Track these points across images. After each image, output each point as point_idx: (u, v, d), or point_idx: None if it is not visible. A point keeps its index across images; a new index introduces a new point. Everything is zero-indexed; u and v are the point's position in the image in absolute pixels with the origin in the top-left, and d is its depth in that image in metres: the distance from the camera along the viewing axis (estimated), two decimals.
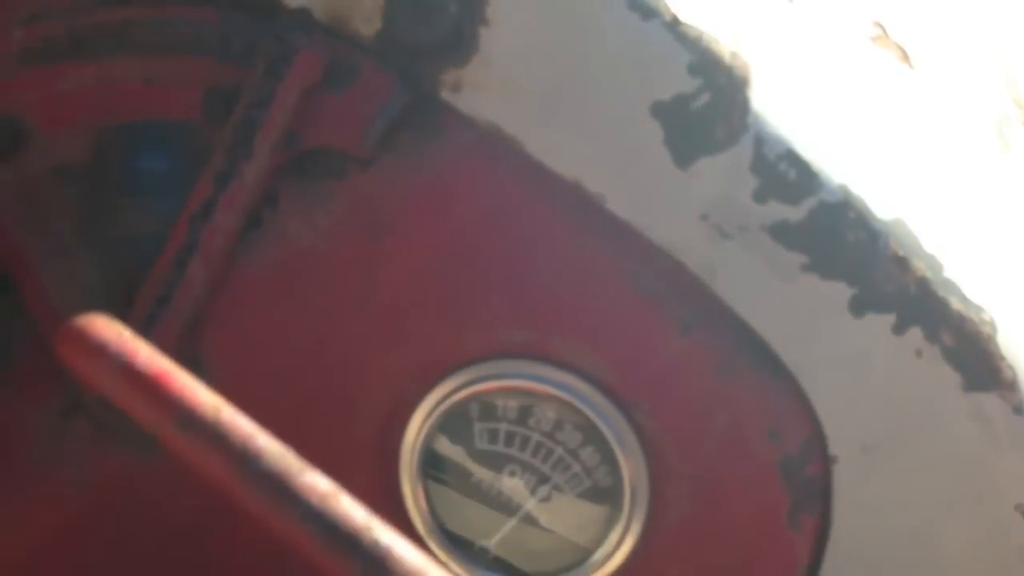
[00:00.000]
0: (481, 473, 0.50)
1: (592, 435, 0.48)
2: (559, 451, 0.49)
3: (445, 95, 0.45)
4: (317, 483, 0.27)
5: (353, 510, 0.27)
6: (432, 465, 0.50)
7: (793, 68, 0.47)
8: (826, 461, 0.46)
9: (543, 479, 0.49)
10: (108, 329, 0.29)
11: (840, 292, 0.45)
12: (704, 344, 0.46)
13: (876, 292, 0.44)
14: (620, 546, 0.49)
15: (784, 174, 0.44)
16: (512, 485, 0.50)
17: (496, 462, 0.50)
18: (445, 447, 0.50)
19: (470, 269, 0.47)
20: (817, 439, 0.46)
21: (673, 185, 0.45)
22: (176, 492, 0.45)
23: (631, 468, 0.47)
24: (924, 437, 0.45)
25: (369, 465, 0.49)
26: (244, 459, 0.26)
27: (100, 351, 0.28)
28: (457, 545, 0.50)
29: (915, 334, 0.44)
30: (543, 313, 0.47)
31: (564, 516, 0.49)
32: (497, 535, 0.50)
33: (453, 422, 0.49)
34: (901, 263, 0.44)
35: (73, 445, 0.43)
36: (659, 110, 0.44)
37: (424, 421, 0.49)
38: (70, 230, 0.44)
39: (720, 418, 0.46)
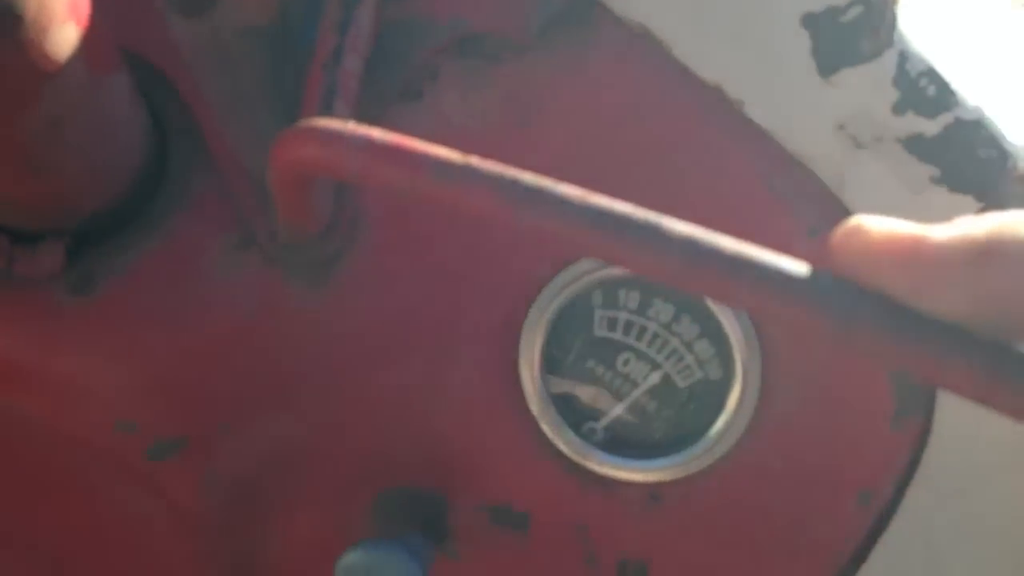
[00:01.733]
0: (596, 358, 0.53)
1: (708, 328, 0.51)
2: (675, 342, 0.52)
3: None
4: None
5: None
6: (551, 346, 0.53)
7: None
8: None
9: (655, 368, 0.52)
10: (333, 122, 0.32)
11: (967, 205, 0.47)
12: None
13: (1001, 207, 0.46)
14: (724, 438, 0.52)
15: (924, 89, 0.46)
16: (625, 372, 0.53)
17: (612, 349, 0.53)
18: (565, 330, 0.53)
19: (609, 160, 0.50)
20: None
21: (814, 94, 0.47)
22: (328, 335, 0.49)
23: (745, 359, 0.50)
24: None
25: (493, 341, 0.52)
26: (513, 187, 0.29)
27: (338, 136, 0.31)
28: (568, 425, 0.53)
29: None
30: (676, 205, 0.50)
31: (672, 406, 0.52)
32: (606, 419, 0.53)
33: (575, 307, 0.52)
34: None
35: (245, 275, 0.46)
36: (809, 21, 0.46)
37: (548, 303, 0.52)
38: (255, 87, 0.46)
39: None
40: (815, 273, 0.28)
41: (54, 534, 0.53)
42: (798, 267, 0.28)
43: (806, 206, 0.49)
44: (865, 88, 0.47)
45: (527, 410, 0.53)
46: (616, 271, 0.51)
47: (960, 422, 0.49)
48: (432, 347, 0.52)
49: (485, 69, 0.49)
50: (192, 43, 0.46)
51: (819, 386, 0.50)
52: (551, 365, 0.53)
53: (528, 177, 0.30)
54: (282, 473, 0.53)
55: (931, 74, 0.46)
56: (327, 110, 0.46)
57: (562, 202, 0.29)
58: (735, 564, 0.53)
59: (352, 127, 0.32)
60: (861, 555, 0.52)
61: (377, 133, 0.32)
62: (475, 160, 0.30)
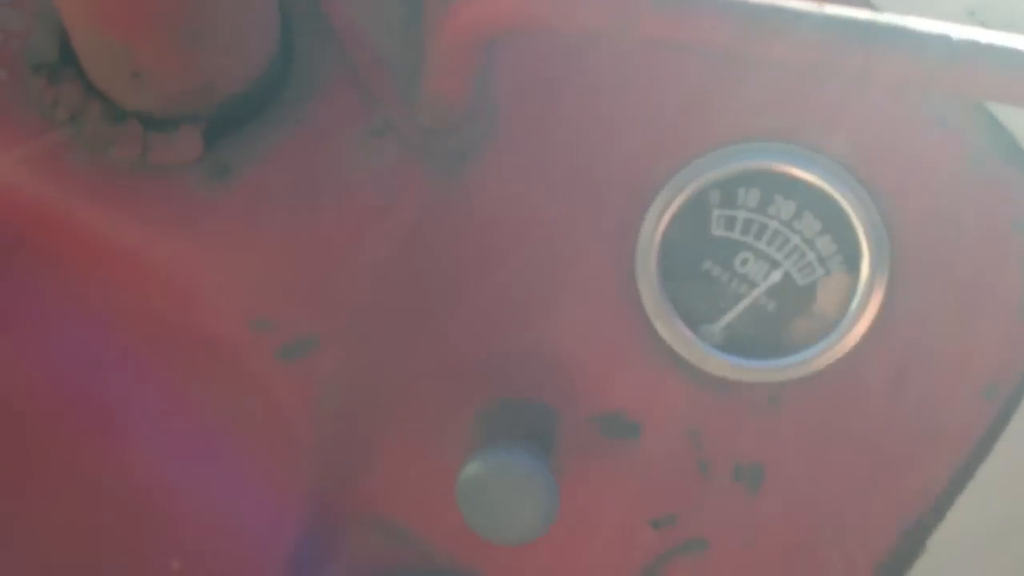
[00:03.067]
0: (714, 259, 0.52)
1: (831, 224, 0.50)
2: (795, 240, 0.51)
3: None
4: None
5: None
6: (667, 248, 0.52)
7: None
8: None
9: (775, 267, 0.52)
10: None
11: None
12: (958, 136, 0.48)
13: None
14: (846, 337, 0.51)
15: None
16: (743, 272, 0.52)
17: (730, 249, 0.52)
18: (682, 231, 0.52)
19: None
20: None
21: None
22: (458, 227, 0.48)
23: (873, 253, 0.50)
24: None
25: (610, 242, 0.51)
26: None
27: None
28: (685, 325, 0.52)
29: None
30: (799, 94, 0.49)
31: (792, 305, 0.52)
32: (724, 319, 0.52)
33: (693, 207, 0.51)
34: None
35: (382, 162, 0.44)
36: None
37: (666, 203, 0.51)
38: None
39: (968, 207, 0.49)
40: None
41: (152, 424, 0.51)
42: None
43: (936, 97, 0.48)
44: None
45: (643, 312, 0.52)
46: (734, 166, 0.50)
47: None
48: (551, 247, 0.51)
49: None
50: None
51: (947, 279, 0.50)
52: (668, 266, 0.52)
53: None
54: (387, 391, 0.52)
55: None
56: None
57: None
58: (855, 464, 0.52)
59: None
60: (984, 449, 0.51)
61: None
62: None
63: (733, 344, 0.53)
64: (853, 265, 0.50)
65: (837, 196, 0.50)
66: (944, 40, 0.28)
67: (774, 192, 0.51)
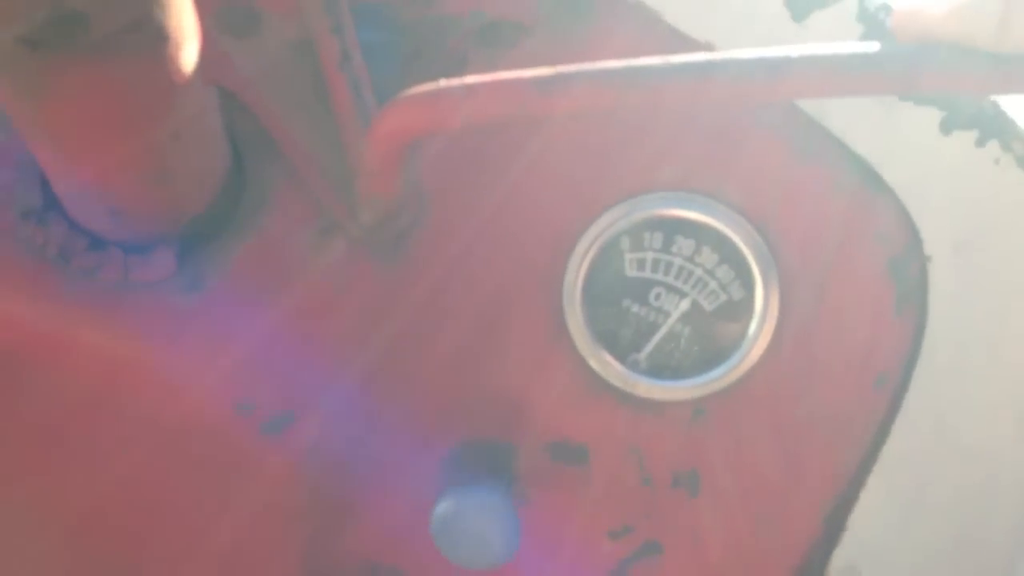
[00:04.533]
0: (631, 296, 0.59)
1: (727, 254, 0.58)
2: (699, 272, 0.59)
3: None
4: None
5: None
6: (589, 292, 0.59)
7: None
8: (923, 260, 0.57)
9: (684, 296, 0.59)
10: (428, 88, 0.40)
11: (932, 115, 0.55)
12: (821, 167, 0.56)
13: (961, 113, 0.54)
14: (752, 349, 0.59)
15: (883, 22, 0.54)
16: (658, 305, 0.59)
17: (644, 286, 0.59)
18: (600, 276, 0.59)
19: (626, 120, 0.57)
20: (915, 242, 0.56)
21: (792, 38, 0.55)
22: (402, 303, 0.55)
23: (763, 277, 0.57)
24: (1002, 233, 0.56)
25: (538, 294, 0.59)
26: (609, 74, 0.38)
27: (444, 94, 0.38)
28: (614, 359, 0.60)
29: (993, 145, 0.55)
30: (688, 151, 0.57)
31: (703, 328, 0.59)
32: (647, 348, 0.60)
33: (606, 255, 0.59)
34: None
35: (331, 257, 0.52)
36: None
37: (583, 254, 0.58)
38: (307, 92, 0.52)
39: (836, 226, 0.56)
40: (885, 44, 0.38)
41: (157, 512, 0.58)
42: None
43: (798, 136, 0.56)
44: (834, 27, 0.54)
45: (576, 351, 0.60)
46: (638, 216, 0.58)
47: (950, 309, 0.57)
48: (489, 304, 0.58)
49: (504, 53, 0.55)
50: (245, 60, 0.52)
51: (830, 289, 0.58)
52: (592, 308, 0.60)
53: (610, 64, 0.39)
54: (363, 444, 0.59)
55: (886, 7, 0.54)
56: (360, 101, 0.52)
57: (652, 71, 0.37)
58: (775, 458, 0.60)
59: (446, 83, 0.40)
60: (883, 432, 0.59)
61: (471, 78, 0.39)
62: (562, 68, 0.38)
63: (658, 368, 0.60)
64: (750, 288, 0.58)
65: (727, 231, 0.57)
66: (757, 61, 0.37)
67: (675, 233, 0.58)
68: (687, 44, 0.55)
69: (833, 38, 0.55)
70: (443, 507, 0.56)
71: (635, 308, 0.60)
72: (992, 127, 0.55)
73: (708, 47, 0.55)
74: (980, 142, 0.55)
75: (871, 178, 0.56)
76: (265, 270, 0.50)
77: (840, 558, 0.61)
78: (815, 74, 0.38)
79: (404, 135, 0.42)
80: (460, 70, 0.56)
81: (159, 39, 0.36)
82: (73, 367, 0.51)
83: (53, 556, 0.56)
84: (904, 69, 0.36)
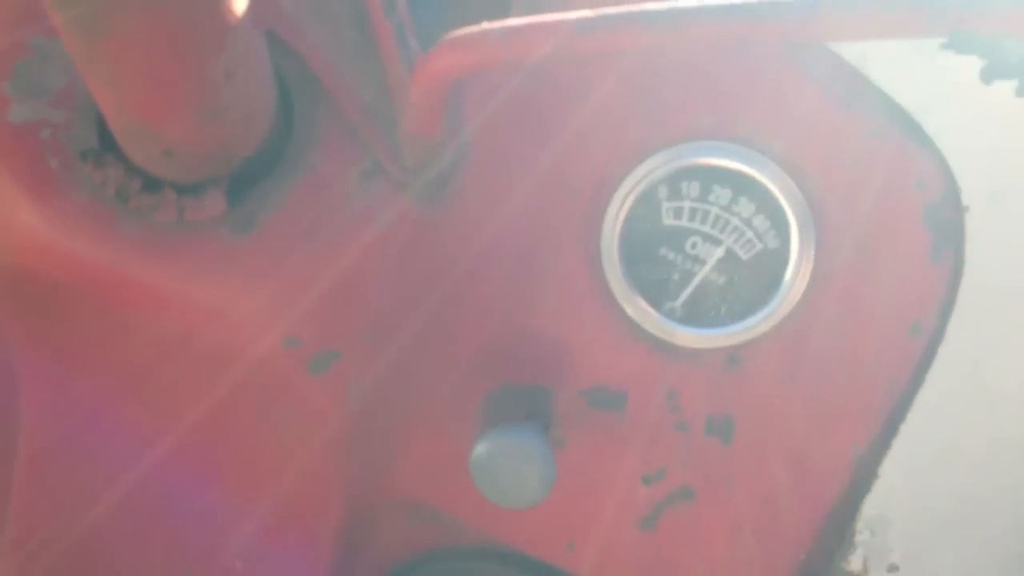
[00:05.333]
0: (668, 244, 0.60)
1: (763, 204, 0.59)
2: (735, 221, 0.60)
3: None
4: None
5: None
6: (627, 240, 0.60)
7: None
8: (960, 209, 0.57)
9: (719, 244, 0.60)
10: (471, 30, 0.41)
11: (973, 64, 0.55)
12: (861, 115, 0.57)
13: (1002, 62, 0.54)
14: (787, 298, 0.59)
15: None
16: (694, 253, 0.60)
17: (680, 235, 0.60)
18: (638, 224, 0.60)
19: (667, 68, 0.58)
20: (953, 191, 0.57)
21: None
22: (446, 244, 0.56)
23: (800, 225, 0.58)
24: None
25: (577, 240, 0.60)
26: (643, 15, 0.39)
27: (486, 36, 0.39)
28: (651, 306, 0.61)
29: None
30: (727, 97, 0.58)
31: (738, 276, 0.60)
32: (682, 295, 0.61)
33: (645, 202, 0.60)
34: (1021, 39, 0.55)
35: (375, 199, 0.53)
36: None
37: (622, 201, 0.59)
38: (355, 34, 0.53)
39: (875, 174, 0.57)
40: None
41: (205, 444, 0.60)
42: None
43: (840, 84, 0.57)
44: None
45: (613, 299, 0.61)
46: (675, 165, 0.59)
47: (986, 258, 0.57)
48: (529, 249, 0.59)
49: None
50: (294, 3, 0.53)
51: (866, 237, 0.58)
52: (630, 255, 0.61)
53: (652, 5, 0.40)
54: (405, 385, 0.61)
55: None
56: (404, 45, 0.53)
57: (690, 12, 0.38)
58: (809, 406, 0.61)
59: (489, 26, 0.41)
60: (918, 379, 0.60)
61: (513, 22, 0.40)
62: (605, 9, 0.39)
63: (693, 316, 0.61)
64: (786, 237, 0.59)
65: (765, 181, 0.58)
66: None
67: (712, 183, 0.59)
68: None
69: None
70: (481, 446, 0.57)
71: (671, 256, 0.61)
72: None
73: None
74: (1020, 91, 0.55)
75: (911, 127, 0.56)
76: (313, 210, 0.52)
77: (872, 506, 0.61)
78: (851, 16, 0.39)
79: (448, 75, 0.43)
80: (503, 14, 0.57)
81: None
82: (129, 304, 0.54)
83: (115, 485, 0.59)
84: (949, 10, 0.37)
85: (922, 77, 0.56)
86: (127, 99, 0.44)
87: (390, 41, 0.51)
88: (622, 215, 0.60)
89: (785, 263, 0.59)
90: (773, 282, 0.60)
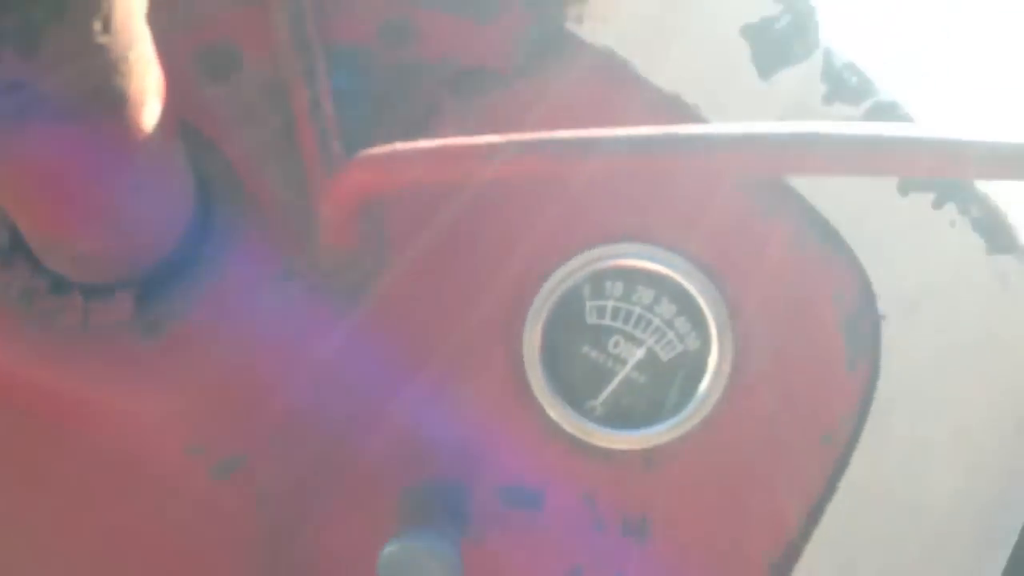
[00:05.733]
0: (590, 343, 0.59)
1: (685, 306, 0.58)
2: (657, 321, 0.59)
3: (570, 25, 0.54)
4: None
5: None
6: (549, 339, 0.59)
7: None
8: (876, 319, 0.57)
9: (641, 345, 0.59)
10: (382, 150, 0.40)
11: (890, 177, 0.55)
12: (782, 224, 0.56)
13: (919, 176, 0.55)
14: (705, 402, 0.59)
15: (847, 80, 0.54)
16: (616, 353, 0.59)
17: (603, 334, 0.59)
18: (560, 323, 0.59)
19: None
20: (870, 300, 0.57)
21: (757, 94, 0.55)
22: (362, 348, 0.54)
23: (719, 330, 0.57)
24: (956, 295, 0.57)
25: (499, 340, 0.58)
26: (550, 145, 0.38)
27: (397, 157, 0.38)
28: (570, 406, 0.59)
29: (950, 208, 0.55)
30: (651, 204, 0.57)
31: (658, 377, 0.59)
32: (603, 395, 0.60)
33: (567, 302, 0.59)
34: None
35: (289, 303, 0.51)
36: (748, 31, 0.54)
37: (545, 300, 0.58)
38: (281, 136, 0.51)
39: (793, 283, 0.57)
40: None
41: (114, 549, 0.56)
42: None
43: (761, 192, 0.57)
44: (799, 84, 0.55)
45: (533, 398, 0.59)
46: (599, 265, 0.58)
47: (901, 366, 0.57)
48: (448, 351, 0.57)
49: (477, 101, 0.55)
50: (222, 103, 0.51)
51: (784, 345, 0.58)
52: (551, 354, 0.59)
53: (560, 134, 0.39)
54: (319, 482, 0.58)
55: (852, 67, 0.55)
56: (327, 152, 0.51)
57: (596, 143, 0.37)
58: (723, 510, 0.60)
59: (400, 146, 0.39)
60: (831, 488, 0.60)
61: (424, 143, 0.39)
62: (514, 135, 0.38)
63: (612, 416, 0.60)
64: (706, 340, 0.58)
65: (686, 284, 0.57)
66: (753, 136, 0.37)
67: (636, 283, 0.58)
68: (655, 94, 0.55)
69: (799, 94, 0.55)
70: (387, 552, 0.55)
71: (594, 355, 0.60)
72: (949, 189, 0.55)
73: (675, 98, 0.55)
74: (937, 204, 0.55)
75: (830, 236, 0.56)
76: (223, 315, 0.49)
77: None
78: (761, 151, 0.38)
79: (357, 195, 0.41)
80: (431, 118, 0.55)
81: (118, 103, 0.35)
82: (31, 409, 0.50)
83: None
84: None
85: (841, 186, 0.56)
86: (32, 214, 0.41)
87: (312, 144, 0.49)
88: (545, 313, 0.58)
89: (704, 366, 0.59)
90: (692, 384, 0.59)
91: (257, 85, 0.51)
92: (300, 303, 0.51)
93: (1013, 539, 0.61)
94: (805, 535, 0.60)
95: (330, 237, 0.47)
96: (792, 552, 0.60)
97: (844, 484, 0.59)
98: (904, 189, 0.55)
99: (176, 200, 0.45)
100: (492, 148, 0.40)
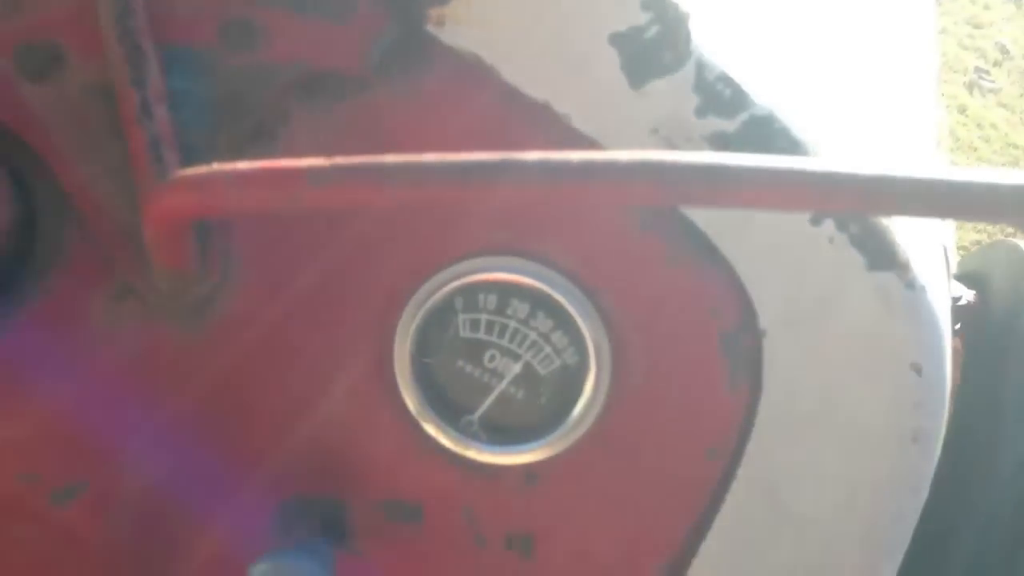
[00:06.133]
0: (465, 357, 0.58)
1: (561, 320, 0.57)
2: (533, 335, 0.57)
3: (431, 28, 0.52)
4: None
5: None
6: (421, 352, 0.57)
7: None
8: (757, 335, 0.55)
9: (517, 359, 0.57)
10: (198, 172, 0.37)
11: None
12: (657, 238, 0.55)
13: None
14: (585, 417, 0.57)
15: (721, 93, 0.52)
16: (492, 367, 0.58)
17: (478, 348, 0.58)
18: (433, 335, 0.57)
19: None
20: (750, 316, 0.55)
21: (628, 104, 0.53)
22: (212, 368, 0.52)
23: (596, 345, 0.56)
24: (836, 310, 0.55)
25: (368, 353, 0.57)
26: (383, 170, 0.36)
27: (213, 180, 0.36)
28: (446, 421, 0.58)
29: (828, 224, 0.53)
30: (522, 215, 0.55)
31: (536, 392, 0.58)
32: (480, 410, 0.58)
33: (440, 314, 0.57)
34: None
35: (125, 324, 0.49)
36: (616, 40, 0.52)
37: (415, 313, 0.56)
38: (108, 139, 0.49)
39: (671, 300, 0.55)
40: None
41: None
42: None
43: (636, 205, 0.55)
44: (671, 96, 0.52)
45: (407, 412, 0.58)
46: (474, 277, 0.56)
47: (783, 384, 0.56)
48: (311, 367, 0.56)
49: (331, 107, 0.53)
50: (42, 105, 0.49)
51: (662, 361, 0.56)
52: (423, 369, 0.58)
53: (389, 159, 0.37)
54: (184, 498, 0.57)
55: (726, 79, 0.52)
56: (158, 161, 0.49)
57: (428, 169, 0.35)
58: (608, 524, 0.59)
59: (218, 168, 0.37)
60: (716, 502, 0.58)
61: (243, 166, 0.37)
62: (339, 160, 0.36)
63: (490, 431, 0.58)
64: (584, 355, 0.57)
65: (560, 298, 0.56)
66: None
67: (510, 296, 0.57)
68: (523, 103, 0.53)
69: (671, 106, 0.53)
70: (256, 571, 0.54)
71: (468, 369, 0.58)
72: None
73: (545, 107, 0.53)
74: (816, 220, 0.53)
75: (707, 251, 0.55)
76: (48, 335, 0.47)
77: None
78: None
79: (174, 218, 0.40)
80: (279, 123, 0.53)
81: None
82: None
83: None
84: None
85: None
86: None
87: (141, 152, 0.47)
88: (415, 327, 0.57)
89: (583, 381, 0.57)
90: (571, 399, 0.58)
91: (84, 87, 0.49)
92: (136, 323, 0.49)
93: (902, 550, 0.60)
94: (692, 549, 0.58)
95: (157, 258, 0.45)
96: (680, 566, 0.59)
97: (730, 498, 0.58)
98: None
99: None
100: (319, 173, 0.38)
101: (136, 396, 0.50)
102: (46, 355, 0.47)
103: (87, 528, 0.53)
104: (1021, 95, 3.35)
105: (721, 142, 0.53)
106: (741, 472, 0.58)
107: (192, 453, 0.55)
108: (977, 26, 3.58)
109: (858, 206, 0.35)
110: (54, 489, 0.50)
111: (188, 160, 0.48)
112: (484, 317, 0.57)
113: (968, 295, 0.84)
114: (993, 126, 3.22)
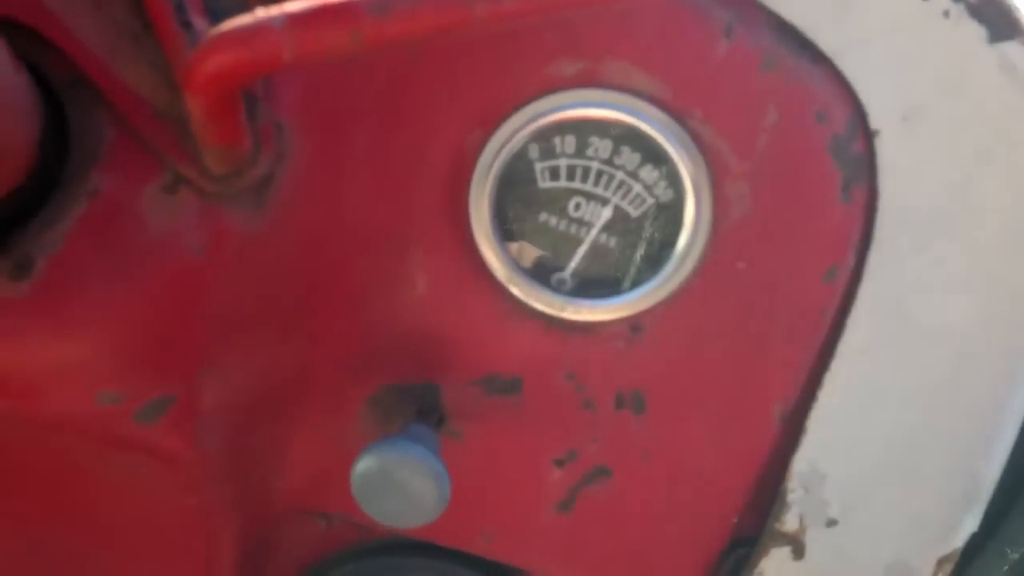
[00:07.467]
0: (548, 210, 0.53)
1: (650, 153, 0.51)
2: (619, 175, 0.52)
3: None
4: None
5: None
6: (501, 213, 0.53)
7: None
8: (870, 136, 0.50)
9: (605, 204, 0.52)
10: (242, 21, 0.32)
11: None
12: (747, 43, 0.48)
13: None
14: (688, 255, 0.52)
15: None
16: (578, 216, 0.53)
17: (560, 197, 0.52)
18: (510, 192, 0.52)
19: None
20: (860, 116, 0.49)
21: None
22: (284, 253, 0.48)
23: (691, 175, 0.50)
24: (958, 95, 0.49)
25: (443, 220, 0.52)
26: None
27: (262, 28, 0.30)
28: (537, 283, 0.53)
29: None
30: (590, 39, 0.49)
31: (630, 236, 0.53)
32: (571, 265, 0.53)
33: (515, 166, 0.52)
34: None
35: (183, 216, 0.44)
36: None
37: (488, 169, 0.51)
38: (133, 20, 0.43)
39: (769, 111, 0.49)
40: None
41: (48, 522, 0.53)
42: None
43: (718, 8, 0.48)
44: None
45: (493, 278, 0.53)
46: (547, 119, 0.50)
47: (903, 186, 0.50)
48: (386, 241, 0.51)
49: None
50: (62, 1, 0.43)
51: (767, 180, 0.51)
52: (507, 229, 0.53)
53: None
54: (273, 400, 0.53)
55: None
56: (186, 26, 0.43)
57: None
58: (724, 367, 0.55)
59: (263, 14, 0.32)
60: (837, 328, 0.54)
61: (293, 5, 0.32)
62: None
63: (585, 286, 0.54)
64: (679, 188, 0.51)
65: (646, 127, 0.50)
66: None
67: (589, 135, 0.51)
68: None
69: None
70: (362, 465, 0.50)
71: (553, 222, 0.53)
72: None
73: None
74: None
75: (805, 48, 0.48)
76: (101, 241, 0.42)
77: (802, 462, 0.56)
78: None
79: (221, 83, 0.34)
80: None
81: None
82: None
83: None
84: None
85: None
86: None
87: (168, 23, 0.41)
88: (490, 185, 0.51)
89: (681, 216, 0.52)
90: (670, 239, 0.52)
91: None
92: (194, 214, 0.44)
93: None
94: (817, 379, 0.54)
95: (207, 136, 0.40)
96: (805, 398, 0.54)
97: (852, 321, 0.53)
98: None
99: (15, 116, 0.38)
100: (381, 2, 0.32)
101: (207, 294, 0.46)
102: (105, 262, 0.43)
103: (177, 445, 0.49)
104: None
105: None
106: (863, 290, 0.53)
107: (272, 350, 0.51)
108: None
109: None
110: (139, 405, 0.46)
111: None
112: (563, 162, 0.52)
113: None
114: None
